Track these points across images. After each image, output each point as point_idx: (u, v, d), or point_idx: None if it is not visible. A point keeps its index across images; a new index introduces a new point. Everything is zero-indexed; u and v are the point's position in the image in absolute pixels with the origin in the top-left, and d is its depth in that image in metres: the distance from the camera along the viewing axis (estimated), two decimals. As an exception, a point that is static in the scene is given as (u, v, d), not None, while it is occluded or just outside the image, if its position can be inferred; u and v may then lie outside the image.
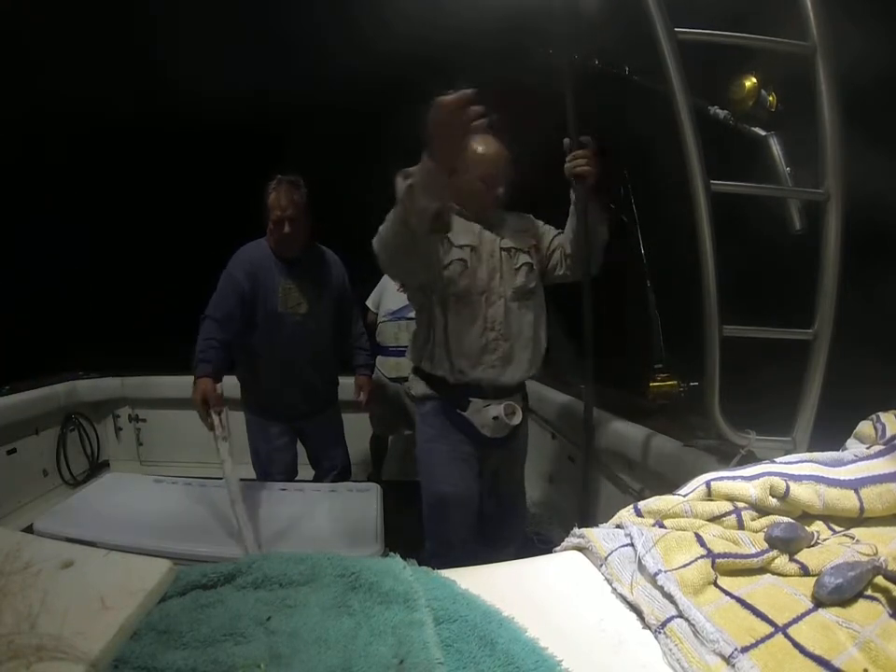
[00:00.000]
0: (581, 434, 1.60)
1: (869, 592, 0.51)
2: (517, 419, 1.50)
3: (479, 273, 1.45)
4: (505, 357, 1.49)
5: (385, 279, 3.04)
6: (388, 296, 3.00)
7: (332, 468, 2.33)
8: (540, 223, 1.66)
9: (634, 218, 1.55)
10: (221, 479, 1.83)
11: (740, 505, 0.64)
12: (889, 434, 0.73)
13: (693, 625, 0.48)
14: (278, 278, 2.02)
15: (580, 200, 1.47)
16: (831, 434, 0.87)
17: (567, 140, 1.45)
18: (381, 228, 1.31)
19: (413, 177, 1.16)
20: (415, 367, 1.59)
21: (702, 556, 0.56)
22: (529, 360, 1.53)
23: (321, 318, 2.10)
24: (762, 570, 0.57)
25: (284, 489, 2.15)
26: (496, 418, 1.48)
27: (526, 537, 2.26)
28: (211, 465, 3.25)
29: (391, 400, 2.88)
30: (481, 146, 1.47)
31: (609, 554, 0.59)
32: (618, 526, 0.65)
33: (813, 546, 0.60)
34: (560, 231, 1.63)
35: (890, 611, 0.49)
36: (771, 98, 1.05)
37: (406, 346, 2.94)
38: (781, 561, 0.57)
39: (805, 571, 0.56)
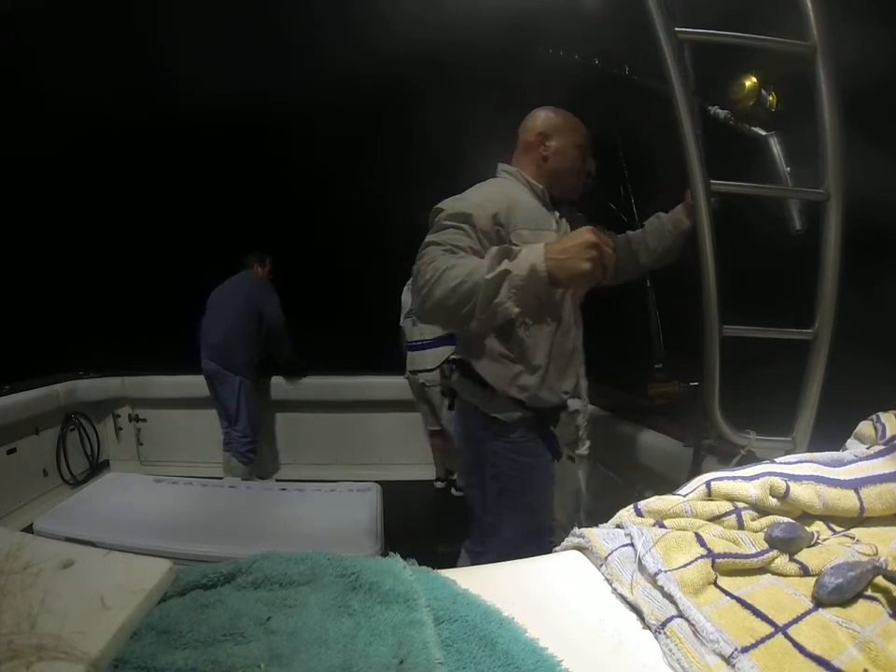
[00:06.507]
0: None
1: (869, 592, 0.51)
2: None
3: None
4: (583, 361, 1.38)
5: (403, 295, 3.19)
6: (405, 300, 3.20)
7: None
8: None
9: (634, 218, 1.55)
10: (221, 478, 1.84)
11: (740, 505, 0.64)
12: (889, 434, 0.73)
13: (693, 625, 0.48)
14: None
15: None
16: (831, 434, 0.87)
17: None
18: (429, 272, 1.07)
19: (514, 269, 0.98)
20: (498, 390, 1.32)
21: (702, 556, 0.56)
22: None
23: None
24: (762, 570, 0.57)
25: (284, 489, 2.15)
26: (577, 427, 1.37)
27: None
28: (211, 465, 3.26)
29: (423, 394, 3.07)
30: (568, 116, 1.34)
31: (609, 554, 0.59)
32: (618, 526, 0.65)
33: (813, 546, 0.60)
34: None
35: (890, 611, 0.49)
36: (771, 98, 1.05)
37: (418, 340, 3.03)
38: (781, 561, 0.57)
39: (805, 571, 0.56)
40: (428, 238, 1.18)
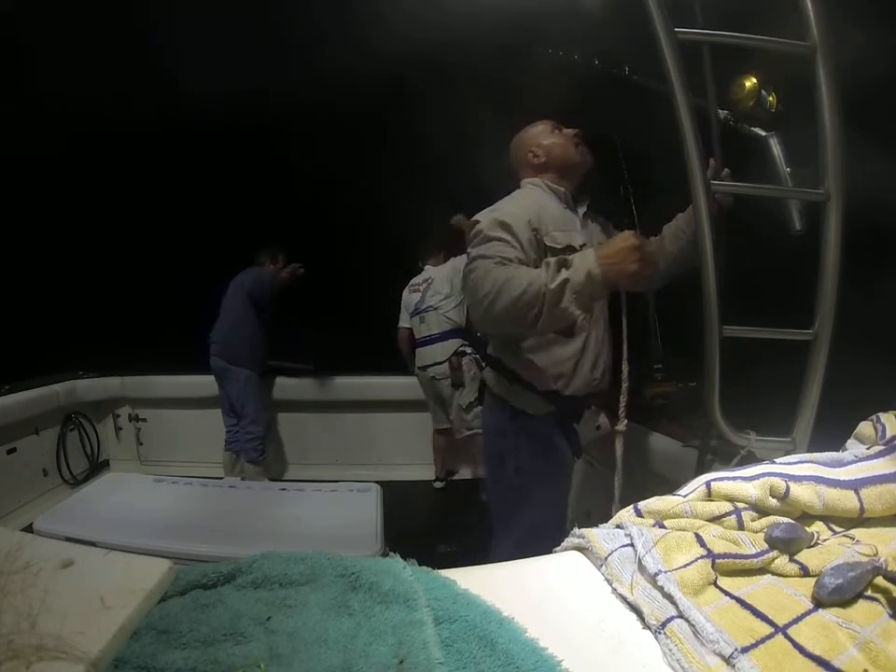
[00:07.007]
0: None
1: (869, 592, 0.51)
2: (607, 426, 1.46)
3: None
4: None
5: (404, 297, 3.24)
6: (407, 301, 3.24)
7: None
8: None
9: (634, 219, 1.55)
10: (221, 478, 1.84)
11: (740, 505, 0.64)
12: (889, 434, 0.73)
13: (693, 626, 0.48)
14: None
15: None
16: (831, 434, 0.87)
17: (712, 162, 1.22)
18: (487, 286, 1.14)
19: (573, 276, 1.07)
20: (534, 382, 1.37)
21: (702, 556, 0.56)
22: None
23: None
24: (762, 571, 0.57)
25: (284, 489, 2.15)
26: (598, 427, 1.45)
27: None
28: (211, 465, 3.27)
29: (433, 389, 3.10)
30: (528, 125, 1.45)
31: (609, 555, 0.59)
32: (618, 527, 0.65)
33: (813, 546, 0.60)
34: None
35: (890, 612, 0.49)
36: (771, 98, 1.05)
37: (426, 336, 3.06)
38: (781, 561, 0.57)
39: (805, 572, 0.56)
40: (475, 252, 1.24)
